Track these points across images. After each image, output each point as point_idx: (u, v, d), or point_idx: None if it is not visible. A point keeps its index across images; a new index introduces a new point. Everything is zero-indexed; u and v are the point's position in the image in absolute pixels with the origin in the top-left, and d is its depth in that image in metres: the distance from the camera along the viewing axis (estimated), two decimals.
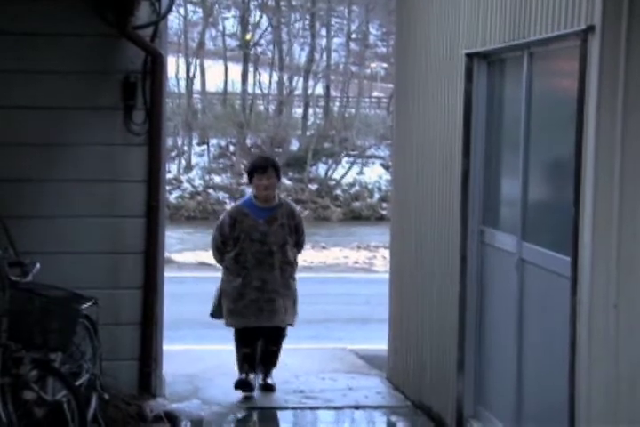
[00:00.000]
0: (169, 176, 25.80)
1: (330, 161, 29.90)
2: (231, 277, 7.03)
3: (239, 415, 6.81)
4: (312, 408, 6.87)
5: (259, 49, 32.86)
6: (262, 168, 7.04)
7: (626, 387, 4.38)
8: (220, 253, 7.18)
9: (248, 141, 30.56)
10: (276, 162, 7.34)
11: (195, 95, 31.76)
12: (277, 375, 7.34)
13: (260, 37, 32.79)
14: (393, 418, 6.89)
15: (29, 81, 6.44)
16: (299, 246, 7.25)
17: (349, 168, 29.75)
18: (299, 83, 31.90)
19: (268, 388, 7.15)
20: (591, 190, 4.38)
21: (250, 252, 6.95)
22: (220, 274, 7.31)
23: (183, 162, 29.45)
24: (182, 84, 30.99)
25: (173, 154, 28.84)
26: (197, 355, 8.51)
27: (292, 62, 32.25)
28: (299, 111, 31.90)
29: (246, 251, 6.96)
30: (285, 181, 29.04)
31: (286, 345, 7.40)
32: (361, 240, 20.81)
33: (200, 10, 33.14)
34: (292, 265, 7.10)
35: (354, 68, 33.91)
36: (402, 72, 7.67)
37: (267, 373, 7.28)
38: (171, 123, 26.24)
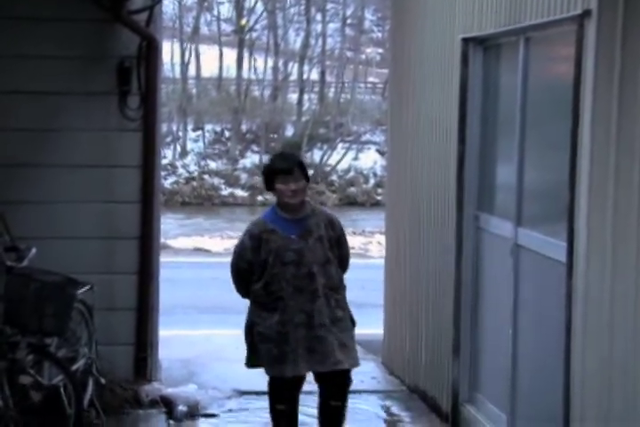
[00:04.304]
0: (164, 162, 25.83)
1: (325, 147, 29.88)
2: (264, 314, 5.40)
3: (234, 400, 6.83)
4: (307, 393, 6.89)
5: (254, 34, 32.73)
6: (287, 169, 5.38)
7: (618, 372, 4.40)
8: (243, 284, 5.52)
9: (243, 127, 30.52)
10: (302, 159, 5.69)
11: (190, 80, 31.69)
12: None
13: (256, 22, 32.66)
14: (388, 402, 6.91)
15: (23, 66, 6.43)
16: (343, 266, 5.64)
17: (344, 154, 29.73)
18: (294, 68, 31.84)
19: None
20: (586, 176, 4.38)
21: (284, 278, 5.35)
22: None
23: (178, 147, 29.41)
24: (177, 69, 30.90)
25: (168, 139, 28.80)
26: (193, 340, 8.54)
27: (288, 47, 32.16)
28: (294, 97, 31.84)
29: (279, 277, 5.36)
30: None
31: None
32: (356, 226, 20.83)
33: None
34: (337, 291, 5.51)
35: (349, 54, 33.80)
36: (397, 57, 7.66)
37: None
38: (165, 108, 26.21)
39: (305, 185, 5.45)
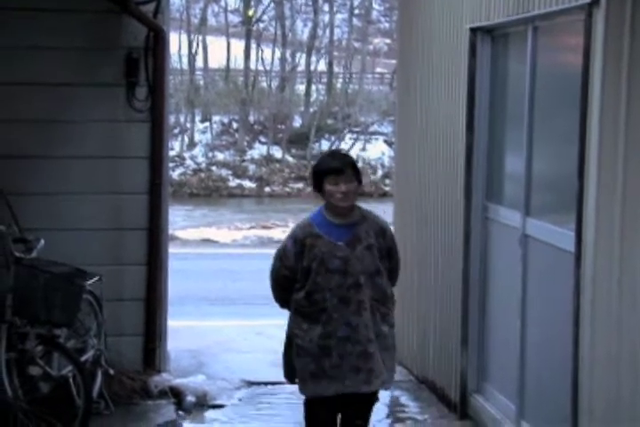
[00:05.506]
0: (172, 153, 25.82)
1: (333, 138, 29.85)
2: (305, 326, 4.92)
3: (243, 390, 6.85)
4: None
5: (261, 25, 32.70)
6: (338, 169, 4.92)
7: (627, 362, 4.40)
8: (283, 292, 5.03)
9: (251, 118, 30.50)
10: (354, 160, 5.16)
11: (197, 72, 31.67)
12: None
13: (263, 13, 32.63)
14: (396, 393, 6.91)
15: (31, 57, 6.43)
16: (391, 279, 5.19)
17: (352, 145, 29.70)
18: (301, 59, 31.79)
19: None
20: (595, 165, 4.37)
21: (328, 287, 4.88)
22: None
23: (186, 139, 29.41)
24: (184, 60, 30.90)
25: (176, 131, 28.81)
26: (201, 331, 8.55)
27: (295, 38, 32.11)
28: (301, 88, 31.80)
29: (322, 286, 4.88)
30: (288, 158, 29.04)
31: None
32: None
33: None
34: (386, 304, 5.04)
35: (357, 44, 33.75)
36: (405, 48, 7.64)
37: None
38: (173, 100, 26.21)
39: (356, 188, 5.02)
